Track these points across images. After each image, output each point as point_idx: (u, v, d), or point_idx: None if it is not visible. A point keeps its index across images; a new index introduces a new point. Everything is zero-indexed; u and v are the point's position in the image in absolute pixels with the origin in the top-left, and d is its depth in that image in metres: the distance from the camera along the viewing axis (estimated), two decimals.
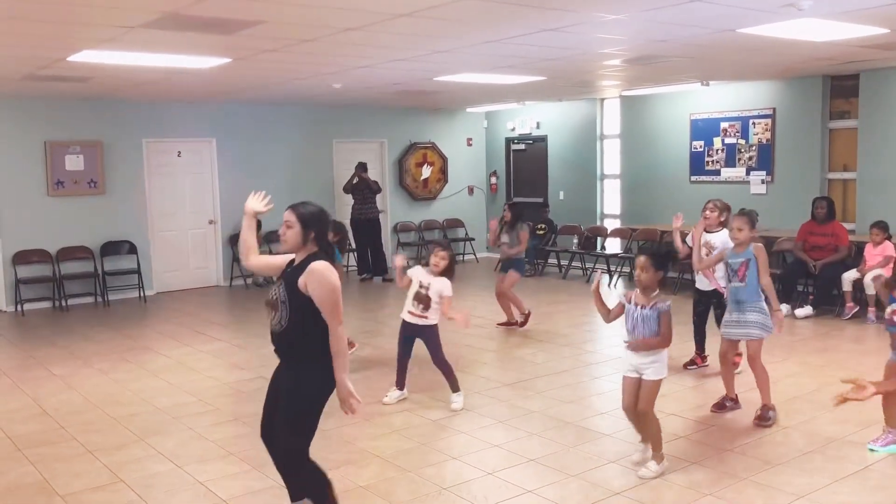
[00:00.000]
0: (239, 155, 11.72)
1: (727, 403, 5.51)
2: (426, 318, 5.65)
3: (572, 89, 10.90)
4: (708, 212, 6.35)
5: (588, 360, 7.07)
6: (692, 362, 6.66)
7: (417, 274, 5.71)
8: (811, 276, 8.71)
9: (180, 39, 5.94)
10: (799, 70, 9.07)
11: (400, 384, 5.88)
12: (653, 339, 4.33)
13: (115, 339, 8.30)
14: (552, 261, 12.52)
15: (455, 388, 5.75)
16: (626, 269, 11.47)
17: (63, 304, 10.19)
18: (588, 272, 11.85)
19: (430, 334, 5.70)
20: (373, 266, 12.09)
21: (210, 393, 6.24)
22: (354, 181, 11.83)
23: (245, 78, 8.47)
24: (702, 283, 6.51)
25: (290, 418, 3.48)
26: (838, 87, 9.65)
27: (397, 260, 5.93)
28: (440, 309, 5.64)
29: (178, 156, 11.38)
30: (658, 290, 4.40)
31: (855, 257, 8.62)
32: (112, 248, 10.65)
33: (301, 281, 3.39)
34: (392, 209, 13.41)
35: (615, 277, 11.35)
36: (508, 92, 10.76)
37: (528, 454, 4.76)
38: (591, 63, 8.01)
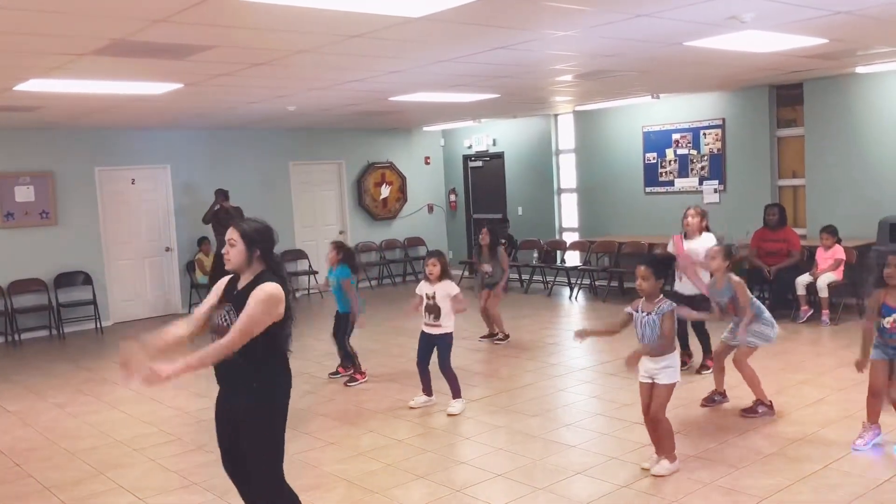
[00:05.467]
0: (195, 180, 11.60)
1: (716, 398, 5.77)
2: (439, 326, 5.92)
3: (526, 106, 11.01)
4: (689, 218, 6.44)
5: (551, 372, 7.10)
6: (682, 363, 6.73)
7: (422, 288, 6.03)
8: (766, 282, 8.88)
9: (130, 66, 5.88)
10: (745, 81, 9.30)
11: (427, 390, 6.15)
12: (655, 344, 4.47)
13: (72, 371, 8.11)
14: (513, 275, 12.57)
15: (456, 395, 6.00)
16: (587, 282, 11.59)
17: (16, 338, 9.94)
18: (549, 285, 11.93)
19: (443, 342, 5.97)
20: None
21: (171, 423, 6.13)
22: (216, 208, 10.92)
23: (198, 103, 8.41)
24: (682, 288, 6.52)
25: (259, 448, 3.33)
26: (784, 96, 9.91)
27: (413, 303, 6.14)
28: (455, 308, 5.91)
29: (133, 183, 11.22)
30: (661, 296, 4.55)
31: (807, 262, 8.82)
32: (66, 279, 10.43)
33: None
34: (352, 230, 13.38)
35: (575, 290, 11.45)
36: (464, 110, 10.83)
37: (496, 469, 4.76)
38: (544, 79, 8.11)
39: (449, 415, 5.87)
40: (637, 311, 4.59)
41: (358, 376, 6.99)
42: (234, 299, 3.33)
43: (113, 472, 5.06)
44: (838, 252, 8.42)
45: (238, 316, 3.22)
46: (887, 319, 4.56)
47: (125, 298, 11.13)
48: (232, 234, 3.33)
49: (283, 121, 10.82)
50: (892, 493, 4.12)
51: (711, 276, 5.75)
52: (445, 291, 5.89)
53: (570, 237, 12.55)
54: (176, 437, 5.76)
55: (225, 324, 3.28)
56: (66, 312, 10.33)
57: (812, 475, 4.40)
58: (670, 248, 6.65)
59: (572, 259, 12.28)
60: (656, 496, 4.24)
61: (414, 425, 5.73)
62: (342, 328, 7.06)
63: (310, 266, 12.24)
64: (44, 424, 6.23)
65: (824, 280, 8.34)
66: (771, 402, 5.51)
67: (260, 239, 3.34)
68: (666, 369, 4.51)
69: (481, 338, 8.48)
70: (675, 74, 8.23)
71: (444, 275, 5.96)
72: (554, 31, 5.52)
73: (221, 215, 10.70)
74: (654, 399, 4.53)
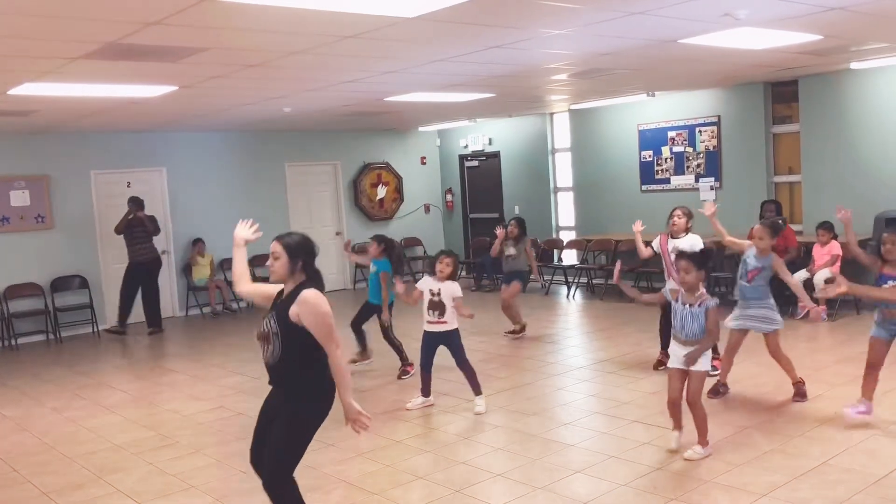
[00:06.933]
0: (191, 183, 11.58)
1: (721, 389, 5.90)
2: (445, 322, 5.88)
3: (522, 105, 11.01)
4: (676, 218, 6.47)
5: (550, 371, 7.09)
6: (660, 363, 6.72)
7: (426, 284, 5.97)
8: None
9: (124, 69, 5.87)
10: (740, 78, 9.30)
11: (425, 391, 6.12)
12: (704, 340, 4.60)
13: (69, 376, 8.09)
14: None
15: (477, 391, 5.96)
16: (584, 280, 11.59)
17: (12, 342, 9.91)
18: (547, 284, 11.92)
19: (452, 339, 5.93)
20: (148, 315, 10.49)
21: (169, 426, 6.11)
22: (130, 217, 10.21)
23: (193, 105, 8.39)
24: (672, 286, 6.53)
25: (281, 447, 3.49)
26: (779, 92, 9.91)
27: (398, 286, 6.31)
28: (459, 312, 5.91)
29: (128, 186, 11.18)
30: (702, 289, 4.62)
31: (804, 258, 8.82)
32: (63, 283, 10.41)
33: (293, 311, 3.40)
34: (349, 230, 13.36)
35: (573, 288, 11.44)
36: (459, 110, 10.83)
37: (495, 469, 4.76)
38: (539, 78, 8.10)
39: (476, 413, 5.85)
40: (676, 302, 4.63)
41: (408, 368, 7.08)
42: (278, 308, 3.51)
43: (111, 476, 5.04)
44: (835, 248, 8.42)
45: (278, 321, 3.44)
46: (885, 286, 4.78)
47: None
48: (276, 247, 3.52)
49: (278, 122, 10.80)
50: (892, 488, 4.12)
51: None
52: (450, 291, 5.90)
53: (567, 235, 12.55)
54: (174, 440, 5.74)
55: (267, 331, 3.47)
56: (62, 316, 10.31)
57: (811, 471, 4.40)
58: (655, 246, 6.65)
59: (569, 258, 12.28)
60: (654, 495, 4.23)
61: (413, 426, 5.72)
62: (363, 318, 7.33)
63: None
64: (41, 429, 6.21)
65: (821, 276, 8.33)
66: (803, 380, 5.77)
67: (303, 251, 3.53)
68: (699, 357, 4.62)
69: (512, 336, 8.50)
70: (670, 72, 8.23)
71: (452, 276, 5.99)
72: (548, 29, 5.52)
73: (135, 224, 10.23)
74: (689, 387, 4.66)
